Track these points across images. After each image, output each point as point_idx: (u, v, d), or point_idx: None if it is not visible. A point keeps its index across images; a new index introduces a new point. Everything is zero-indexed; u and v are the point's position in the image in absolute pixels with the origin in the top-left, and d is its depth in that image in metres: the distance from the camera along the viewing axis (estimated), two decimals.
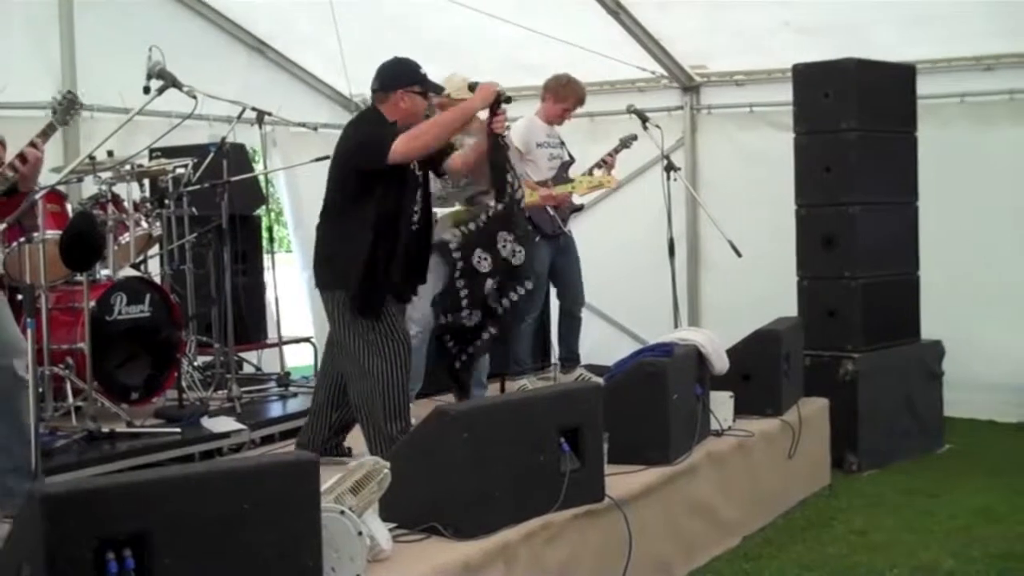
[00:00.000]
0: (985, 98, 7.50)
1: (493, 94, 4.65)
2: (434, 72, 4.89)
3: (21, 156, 4.22)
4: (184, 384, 6.17)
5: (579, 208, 7.29)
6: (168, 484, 2.95)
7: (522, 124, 6.98)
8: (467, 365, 5.19)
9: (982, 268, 7.50)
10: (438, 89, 4.84)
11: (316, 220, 4.90)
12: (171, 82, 4.15)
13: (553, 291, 7.50)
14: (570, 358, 7.29)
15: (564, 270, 7.15)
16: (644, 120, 6.95)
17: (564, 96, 7.02)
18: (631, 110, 7.04)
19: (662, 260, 6.90)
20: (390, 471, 3.65)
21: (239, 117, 6.95)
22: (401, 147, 4.49)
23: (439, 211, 6.09)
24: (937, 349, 7.08)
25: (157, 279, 6.50)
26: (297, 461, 3.24)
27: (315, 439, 5.00)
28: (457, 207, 6.19)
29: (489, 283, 4.98)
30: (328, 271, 4.77)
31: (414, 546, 3.78)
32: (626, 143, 7.17)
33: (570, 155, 7.14)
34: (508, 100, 4.73)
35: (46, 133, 4.28)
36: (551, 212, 6.92)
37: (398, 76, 4.73)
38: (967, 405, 7.46)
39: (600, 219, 8.56)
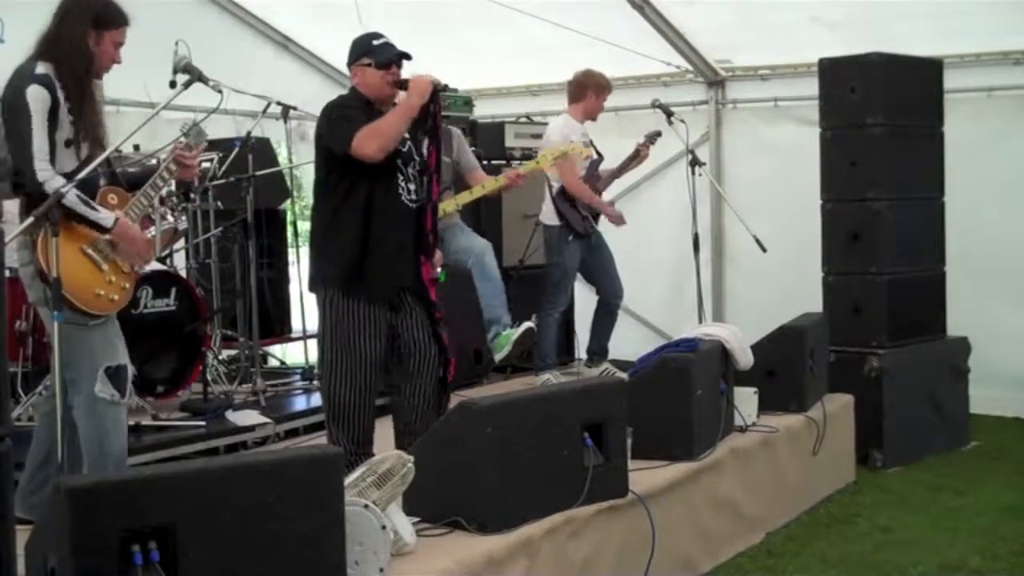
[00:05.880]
0: (1013, 92, 7.44)
1: (429, 86, 4.53)
2: (455, 70, 4.81)
3: (178, 164, 4.30)
4: (209, 377, 6.20)
5: (610, 205, 7.27)
6: (193, 477, 2.97)
7: (560, 123, 6.98)
8: None
9: (1009, 264, 7.45)
10: (400, 56, 4.63)
11: None
12: (197, 76, 4.16)
13: (584, 287, 7.52)
14: (599, 352, 7.28)
15: (600, 265, 7.15)
16: (669, 115, 6.95)
17: (603, 87, 7.04)
18: (656, 104, 7.03)
19: (687, 255, 6.89)
20: (414, 465, 3.67)
21: (264, 112, 6.97)
22: (360, 148, 4.40)
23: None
24: (963, 346, 7.03)
25: (183, 273, 6.52)
26: (321, 455, 3.26)
27: None
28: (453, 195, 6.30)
29: None
30: (314, 269, 4.72)
31: (437, 540, 3.80)
32: (651, 139, 7.15)
33: (599, 153, 7.14)
34: (444, 88, 4.70)
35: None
36: (583, 212, 6.92)
37: (350, 52, 4.69)
38: (993, 402, 7.41)
39: (625, 214, 8.55)
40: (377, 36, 4.67)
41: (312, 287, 4.74)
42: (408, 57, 4.65)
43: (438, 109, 4.66)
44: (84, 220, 3.99)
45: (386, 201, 4.55)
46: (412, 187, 4.62)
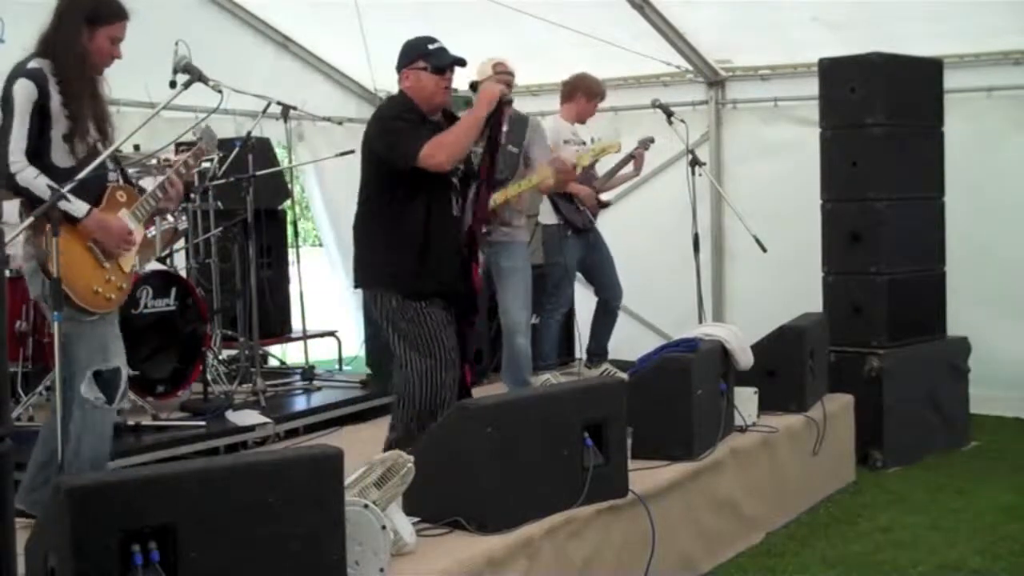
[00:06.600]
0: (1013, 92, 7.44)
1: (497, 96, 4.53)
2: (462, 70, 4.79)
3: (165, 186, 4.34)
4: (209, 377, 6.20)
5: (607, 204, 7.28)
6: (193, 477, 2.97)
7: (550, 122, 7.00)
8: None
9: (1009, 264, 7.44)
10: (455, 62, 4.60)
11: (348, 212, 4.82)
12: (197, 76, 4.16)
13: (583, 287, 7.51)
14: (598, 352, 7.29)
15: (600, 265, 7.16)
16: (669, 115, 6.94)
17: (594, 92, 7.07)
18: (655, 104, 7.02)
19: (687, 255, 6.88)
20: (414, 465, 3.67)
21: (264, 112, 6.97)
22: (428, 159, 4.39)
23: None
24: (963, 346, 7.03)
25: (183, 273, 6.52)
26: (321, 455, 3.25)
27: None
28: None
29: None
30: (369, 269, 4.69)
31: (437, 540, 3.79)
32: (645, 145, 7.18)
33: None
34: (509, 102, 4.63)
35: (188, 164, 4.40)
36: (579, 204, 6.93)
37: (403, 55, 4.65)
38: (993, 402, 7.41)
39: (625, 214, 8.55)
40: (432, 40, 4.63)
41: (366, 287, 4.71)
42: (463, 63, 4.62)
43: (500, 120, 4.67)
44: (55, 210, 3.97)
45: (440, 209, 4.58)
46: (453, 196, 4.64)
